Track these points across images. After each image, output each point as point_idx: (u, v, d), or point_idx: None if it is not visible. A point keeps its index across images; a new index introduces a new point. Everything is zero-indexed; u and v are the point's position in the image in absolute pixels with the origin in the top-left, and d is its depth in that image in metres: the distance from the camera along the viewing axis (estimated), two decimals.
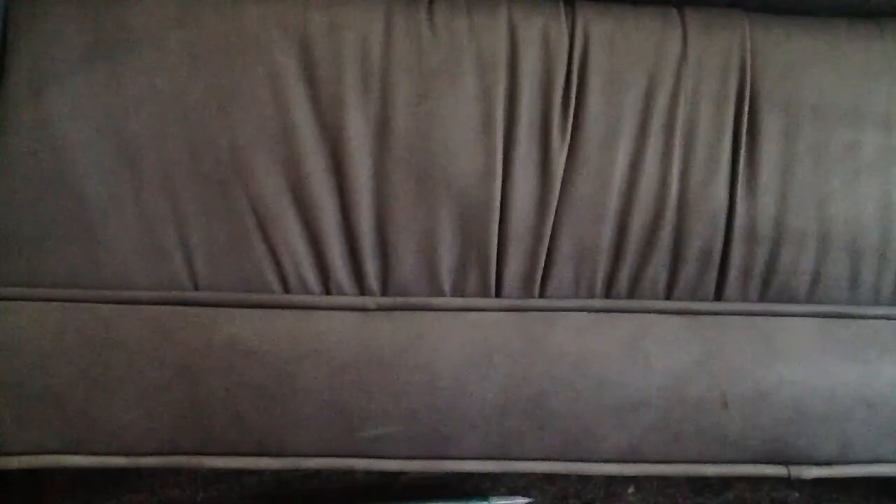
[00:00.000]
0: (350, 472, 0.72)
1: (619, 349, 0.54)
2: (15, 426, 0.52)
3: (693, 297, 0.55)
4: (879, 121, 0.54)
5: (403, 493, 0.71)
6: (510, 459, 0.56)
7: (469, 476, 0.72)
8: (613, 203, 0.53)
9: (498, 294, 0.54)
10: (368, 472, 0.68)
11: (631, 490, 0.73)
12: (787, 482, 0.74)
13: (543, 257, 0.54)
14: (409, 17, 0.52)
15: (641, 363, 0.54)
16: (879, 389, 0.55)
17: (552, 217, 0.53)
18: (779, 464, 0.57)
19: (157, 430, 0.53)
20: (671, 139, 0.53)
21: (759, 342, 0.55)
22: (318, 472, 0.72)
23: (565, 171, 0.53)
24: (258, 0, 0.51)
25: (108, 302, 0.52)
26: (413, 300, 0.54)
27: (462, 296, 0.54)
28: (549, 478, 0.73)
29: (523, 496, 0.70)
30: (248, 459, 0.55)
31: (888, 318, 0.56)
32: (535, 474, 0.72)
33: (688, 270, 0.55)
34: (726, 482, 0.74)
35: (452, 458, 0.56)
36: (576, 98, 0.53)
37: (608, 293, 0.55)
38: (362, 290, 0.54)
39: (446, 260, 0.53)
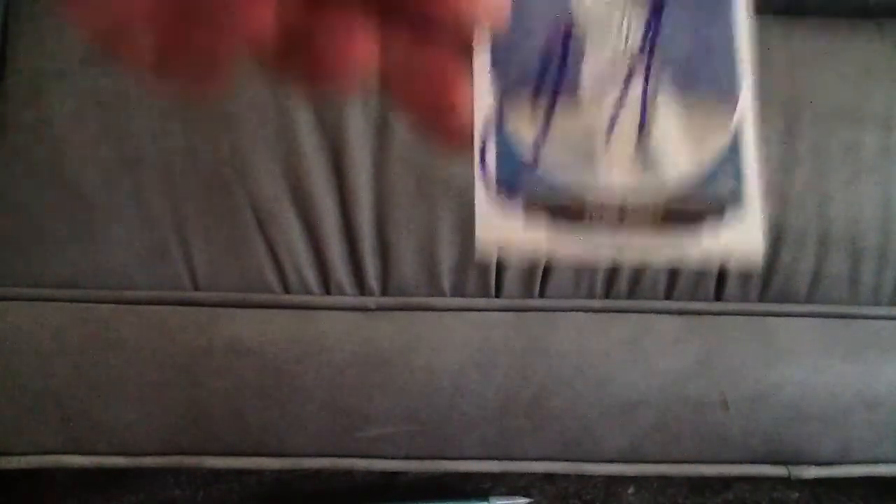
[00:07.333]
0: (350, 472, 0.72)
1: (619, 349, 0.54)
2: (15, 426, 0.52)
3: (693, 297, 0.55)
4: (879, 121, 0.54)
5: (403, 493, 0.71)
6: (510, 459, 0.56)
7: (469, 476, 0.72)
8: None
9: (498, 294, 0.54)
10: (368, 472, 0.68)
11: (631, 490, 0.73)
12: (787, 482, 0.74)
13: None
14: None
15: (641, 363, 0.54)
16: (879, 389, 0.55)
17: None
18: (779, 464, 0.57)
19: (157, 430, 0.53)
20: None
21: (759, 342, 0.55)
22: (318, 472, 0.72)
23: None
24: None
25: (108, 302, 0.52)
26: (413, 300, 0.54)
27: (462, 296, 0.54)
28: (549, 478, 0.73)
29: (523, 496, 0.70)
30: (248, 459, 0.55)
31: (888, 318, 0.56)
32: (535, 474, 0.72)
33: (688, 270, 0.54)
34: (726, 482, 0.74)
35: (452, 458, 0.56)
36: None
37: (608, 293, 0.55)
38: (362, 290, 0.54)
39: (446, 260, 0.53)
